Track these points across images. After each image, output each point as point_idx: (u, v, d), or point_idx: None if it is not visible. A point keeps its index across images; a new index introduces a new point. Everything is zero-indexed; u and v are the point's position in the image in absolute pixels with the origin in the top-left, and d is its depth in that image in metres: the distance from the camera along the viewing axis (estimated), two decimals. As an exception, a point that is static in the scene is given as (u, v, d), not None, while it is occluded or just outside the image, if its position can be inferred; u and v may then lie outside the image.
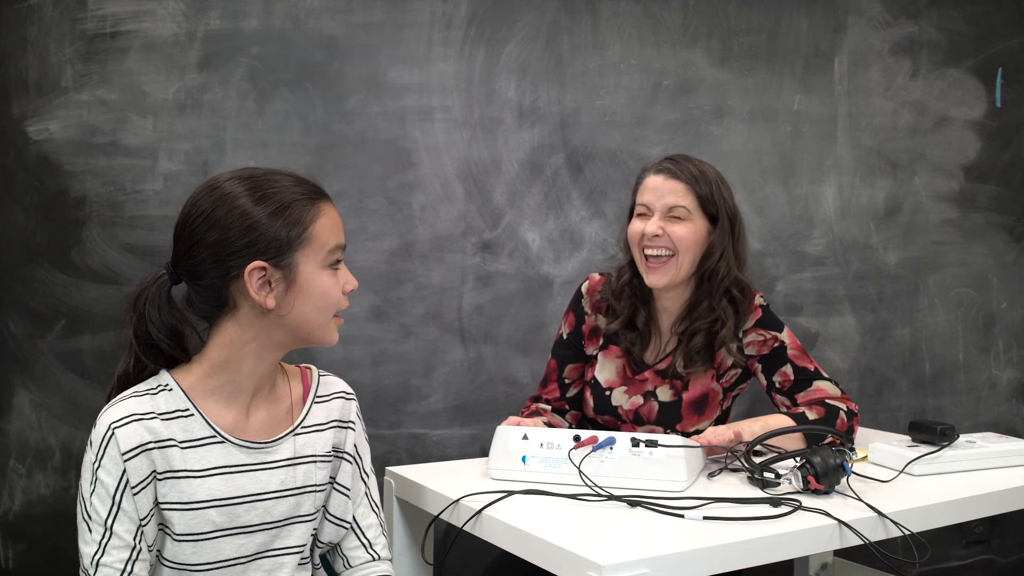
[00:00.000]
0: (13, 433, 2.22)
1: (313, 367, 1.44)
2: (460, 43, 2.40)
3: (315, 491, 1.38)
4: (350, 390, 1.45)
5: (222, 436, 1.30)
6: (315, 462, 1.38)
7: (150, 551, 1.26)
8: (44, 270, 2.22)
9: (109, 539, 1.23)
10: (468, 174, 2.41)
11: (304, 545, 1.37)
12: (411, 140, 2.37)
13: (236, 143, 2.27)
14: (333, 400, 1.42)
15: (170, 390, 1.30)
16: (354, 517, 1.43)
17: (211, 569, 1.30)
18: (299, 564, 1.39)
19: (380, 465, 2.32)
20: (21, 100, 2.21)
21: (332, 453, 1.40)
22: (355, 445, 1.43)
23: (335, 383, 1.44)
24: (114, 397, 1.30)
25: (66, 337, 2.22)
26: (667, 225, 1.82)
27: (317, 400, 1.41)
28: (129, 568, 1.23)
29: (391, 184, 2.37)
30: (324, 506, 1.41)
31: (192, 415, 1.29)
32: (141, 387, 1.29)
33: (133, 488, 1.24)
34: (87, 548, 1.25)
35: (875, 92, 2.68)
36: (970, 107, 2.75)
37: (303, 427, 1.38)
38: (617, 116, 2.50)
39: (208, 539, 1.29)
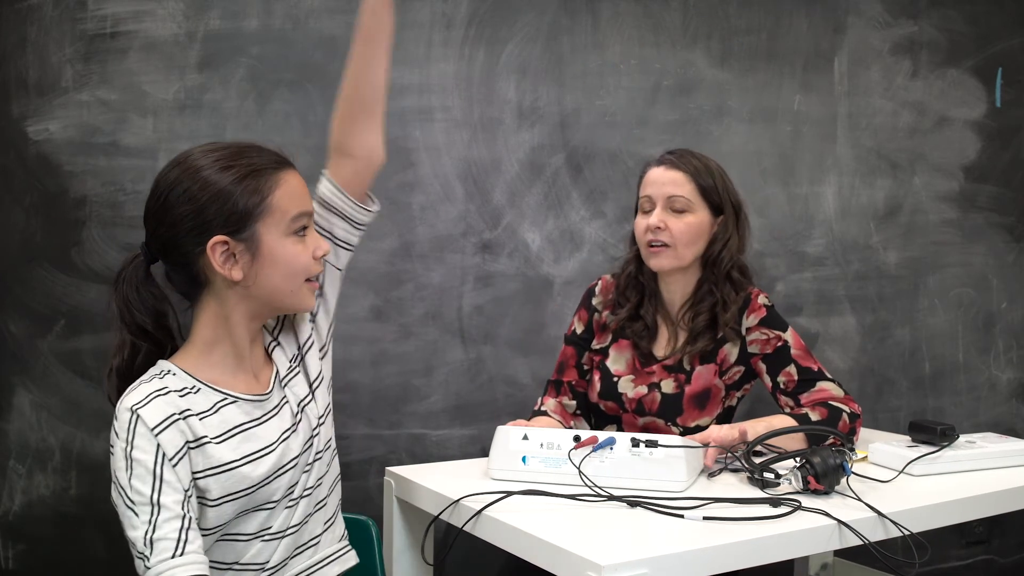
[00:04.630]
0: (13, 433, 2.22)
1: None
2: (460, 43, 2.40)
3: (308, 403, 1.43)
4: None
5: (233, 396, 1.34)
6: (288, 383, 1.43)
7: (198, 522, 1.27)
8: (44, 270, 2.22)
9: (158, 514, 1.21)
10: (468, 174, 2.41)
11: (320, 485, 1.43)
12: (411, 140, 2.37)
13: (236, 143, 2.27)
14: (267, 338, 1.46)
15: (173, 374, 1.32)
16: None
17: (241, 514, 1.33)
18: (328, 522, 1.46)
19: (380, 465, 2.33)
20: (21, 100, 2.21)
21: (298, 352, 1.46)
22: (288, 325, 1.49)
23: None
24: (113, 393, 1.32)
25: (66, 337, 2.22)
26: (668, 218, 1.86)
27: (267, 349, 1.46)
28: (184, 536, 1.21)
29: (391, 184, 2.37)
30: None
31: (199, 389, 1.32)
32: (145, 376, 1.32)
33: (171, 460, 1.24)
34: (137, 532, 1.21)
35: (875, 92, 2.68)
36: (970, 107, 2.74)
37: (278, 368, 1.44)
38: (617, 116, 2.50)
39: (241, 497, 1.32)
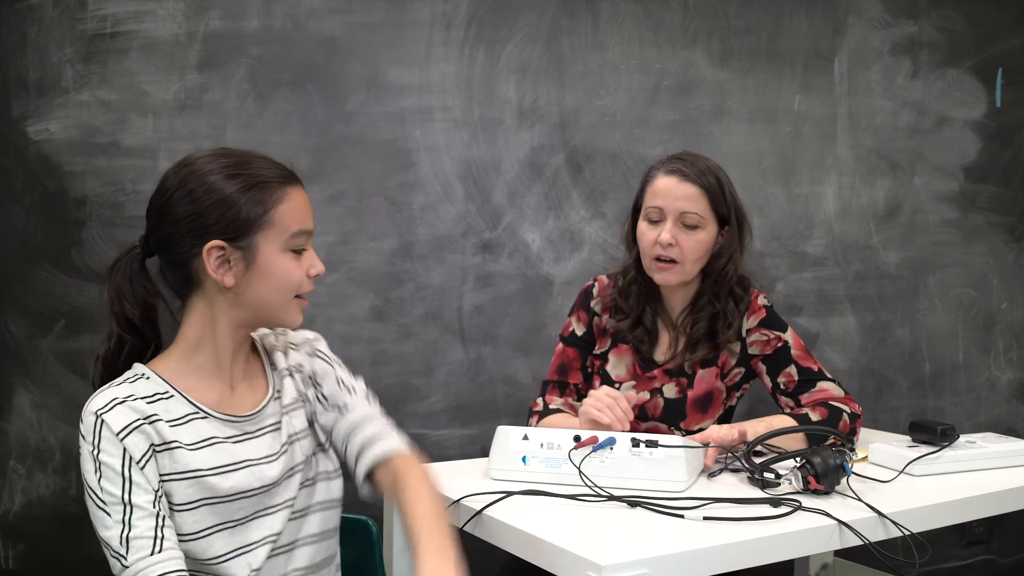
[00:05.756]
0: (13, 433, 2.22)
1: (254, 336, 1.46)
2: (460, 43, 2.40)
3: (299, 439, 1.41)
4: (294, 341, 1.48)
5: (204, 411, 1.32)
6: (289, 412, 1.41)
7: (170, 519, 1.26)
8: (44, 270, 2.22)
9: (131, 512, 1.21)
10: (468, 174, 2.41)
11: (295, 498, 1.38)
12: (411, 140, 2.37)
13: (236, 143, 2.24)
14: (276, 355, 1.45)
15: (147, 378, 1.32)
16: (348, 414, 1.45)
17: (208, 534, 1.30)
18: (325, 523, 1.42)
19: (380, 465, 2.32)
20: (21, 100, 2.21)
21: (301, 396, 1.44)
22: (314, 371, 1.46)
23: (268, 339, 1.47)
24: (97, 380, 1.33)
25: (66, 337, 2.22)
26: (679, 234, 1.81)
27: (273, 368, 1.44)
28: (160, 534, 1.21)
29: (391, 184, 2.37)
30: (318, 428, 1.44)
31: (172, 396, 1.31)
32: (117, 379, 1.32)
33: (138, 462, 1.24)
34: (111, 532, 1.21)
35: (875, 92, 2.68)
36: (970, 107, 2.75)
37: (277, 391, 1.41)
38: (617, 116, 2.50)
39: (204, 506, 1.29)
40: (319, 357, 1.49)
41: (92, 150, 2.22)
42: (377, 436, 1.43)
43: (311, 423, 1.44)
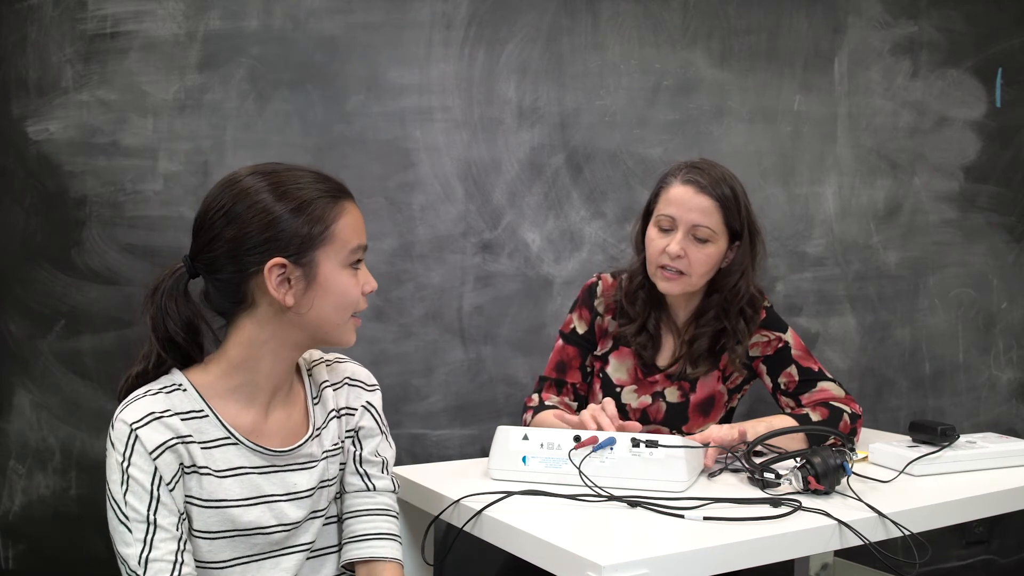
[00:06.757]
0: (13, 433, 2.22)
1: (302, 362, 1.43)
2: (460, 43, 2.40)
3: (328, 485, 1.38)
4: (352, 378, 1.45)
5: (236, 438, 1.29)
6: (328, 457, 1.38)
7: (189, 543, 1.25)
8: (44, 270, 2.22)
9: (154, 533, 1.20)
10: (468, 174, 2.41)
11: (314, 541, 1.37)
12: (411, 140, 2.37)
13: (236, 143, 2.27)
14: (325, 391, 1.41)
15: (184, 390, 1.28)
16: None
17: (223, 567, 1.29)
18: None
19: (380, 465, 2.32)
20: (21, 100, 2.21)
21: (341, 442, 1.40)
22: (361, 427, 1.43)
23: (320, 373, 1.43)
24: (126, 395, 1.28)
25: (66, 337, 2.22)
26: (689, 246, 1.79)
27: (315, 402, 1.40)
28: (180, 559, 1.20)
29: (391, 184, 2.37)
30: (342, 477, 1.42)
31: (206, 416, 1.28)
32: (154, 386, 1.28)
33: (168, 484, 1.22)
34: (131, 549, 1.20)
35: (875, 92, 2.68)
36: (970, 107, 2.75)
37: (318, 429, 1.38)
38: (617, 116, 2.50)
39: (223, 538, 1.28)
40: (371, 415, 1.45)
41: (92, 150, 2.22)
42: (378, 535, 1.40)
43: (340, 468, 1.42)
